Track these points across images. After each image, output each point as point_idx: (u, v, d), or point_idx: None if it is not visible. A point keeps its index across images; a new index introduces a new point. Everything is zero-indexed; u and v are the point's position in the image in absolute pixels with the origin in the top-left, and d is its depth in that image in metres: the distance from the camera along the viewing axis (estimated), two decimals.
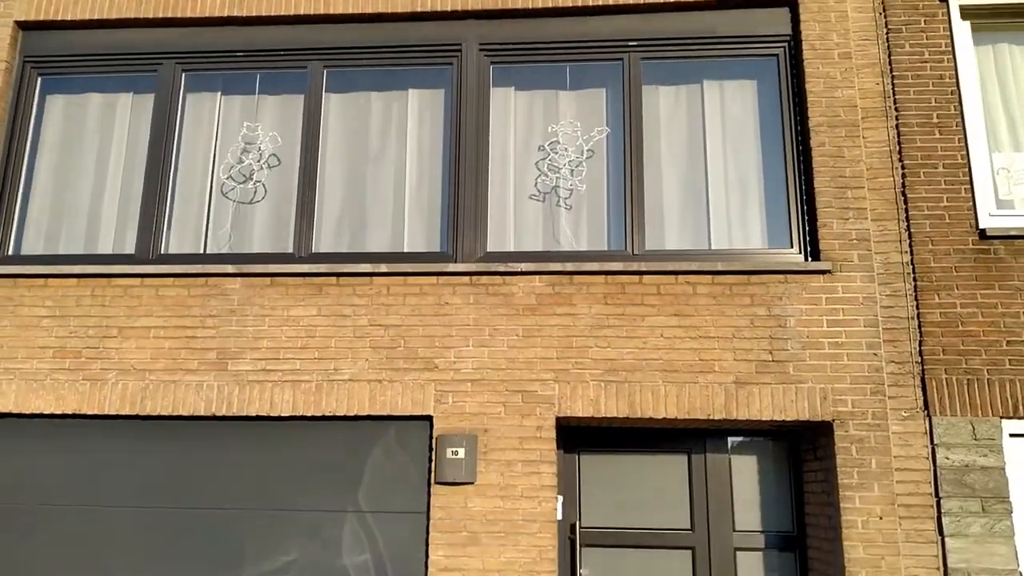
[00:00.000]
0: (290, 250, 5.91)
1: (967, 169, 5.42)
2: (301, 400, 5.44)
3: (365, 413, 5.39)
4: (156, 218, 6.06)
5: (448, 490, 5.21)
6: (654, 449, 5.90)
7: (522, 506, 5.15)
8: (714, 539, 5.67)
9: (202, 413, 5.45)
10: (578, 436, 5.94)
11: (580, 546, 5.72)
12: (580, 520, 5.80)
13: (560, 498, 5.70)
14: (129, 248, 6.08)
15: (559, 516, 5.53)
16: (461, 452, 5.20)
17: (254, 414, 5.46)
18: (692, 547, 5.70)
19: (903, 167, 5.48)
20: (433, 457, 5.26)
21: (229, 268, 5.70)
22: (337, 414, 5.41)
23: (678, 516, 5.77)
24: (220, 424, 5.54)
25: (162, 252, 6.02)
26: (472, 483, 5.19)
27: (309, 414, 5.42)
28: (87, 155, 6.35)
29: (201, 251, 6.05)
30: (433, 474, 5.23)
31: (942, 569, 4.84)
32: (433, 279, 5.58)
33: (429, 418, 5.38)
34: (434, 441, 5.29)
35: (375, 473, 5.41)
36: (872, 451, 5.02)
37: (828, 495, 5.16)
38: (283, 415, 5.45)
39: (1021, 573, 4.79)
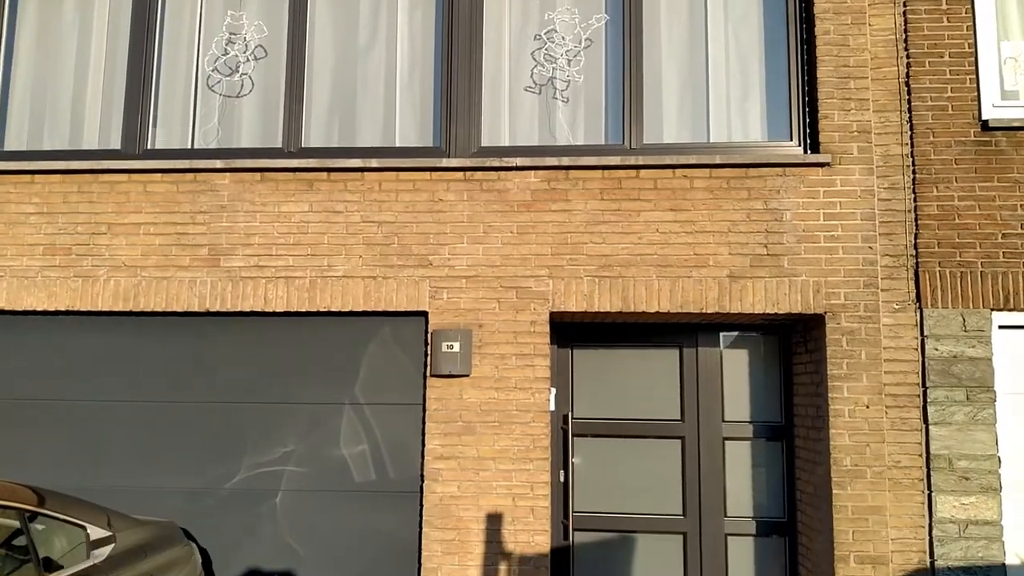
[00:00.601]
0: (279, 145, 5.74)
1: (973, 59, 5.24)
2: (295, 296, 5.40)
3: (360, 309, 5.37)
4: (141, 113, 5.85)
5: (443, 383, 5.24)
6: (646, 343, 5.93)
7: (516, 397, 5.20)
8: (703, 429, 5.78)
9: (196, 309, 5.42)
10: (572, 331, 5.95)
11: (572, 436, 5.82)
12: (572, 411, 5.88)
13: (553, 390, 5.76)
14: (115, 143, 5.90)
15: (552, 407, 5.60)
16: (456, 346, 5.21)
17: (248, 310, 5.43)
18: (681, 437, 5.81)
19: (908, 56, 5.29)
20: (428, 351, 5.27)
21: (218, 163, 5.55)
22: (332, 310, 5.38)
23: (668, 408, 5.86)
24: (215, 320, 5.52)
25: (148, 147, 5.84)
26: (467, 376, 5.22)
27: (303, 310, 5.40)
28: (66, 48, 6.07)
29: (189, 146, 5.87)
30: (429, 367, 5.26)
31: (924, 455, 4.95)
32: (426, 175, 5.45)
33: (424, 314, 5.37)
34: (429, 336, 5.29)
35: (371, 367, 5.43)
36: (862, 343, 5.05)
37: (817, 386, 5.22)
38: (277, 311, 5.42)
39: (1000, 458, 4.90)
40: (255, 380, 5.48)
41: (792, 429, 5.71)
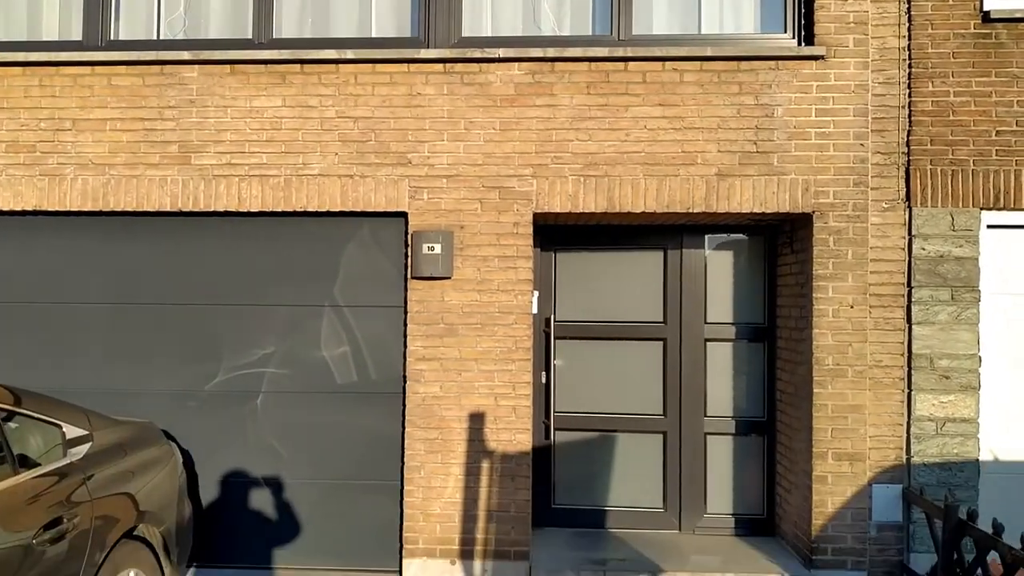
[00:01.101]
0: (249, 36, 5.41)
1: None
2: (270, 196, 5.19)
3: (337, 209, 5.18)
4: (102, 1, 5.48)
5: (425, 285, 5.12)
6: (630, 246, 5.81)
7: (498, 299, 5.09)
8: (686, 331, 5.73)
9: (168, 208, 5.21)
10: (555, 234, 5.81)
11: (554, 338, 5.77)
12: (555, 314, 5.81)
13: (536, 293, 5.66)
14: (76, 35, 5.54)
15: (534, 310, 5.51)
16: (437, 248, 5.06)
17: (222, 210, 5.23)
18: (664, 338, 5.77)
19: None
20: (409, 253, 5.13)
21: (185, 55, 5.23)
22: (308, 210, 5.19)
23: (651, 310, 5.79)
24: (188, 220, 5.32)
25: (112, 39, 5.50)
26: (449, 278, 5.10)
27: (279, 210, 5.20)
28: None
29: (154, 37, 5.53)
30: (409, 269, 5.12)
31: (906, 355, 4.93)
32: (404, 67, 5.17)
33: (404, 214, 5.19)
34: (409, 237, 5.13)
35: (350, 269, 5.29)
36: (850, 242, 4.95)
37: (802, 287, 5.15)
38: (252, 211, 5.22)
39: (980, 357, 4.89)
40: (231, 282, 5.33)
41: (774, 330, 5.67)
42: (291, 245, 5.31)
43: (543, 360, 5.76)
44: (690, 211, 5.01)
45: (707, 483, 5.74)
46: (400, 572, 5.11)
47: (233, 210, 5.22)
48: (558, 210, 5.07)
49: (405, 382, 5.12)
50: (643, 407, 5.79)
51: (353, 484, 5.21)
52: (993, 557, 4.03)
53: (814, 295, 4.95)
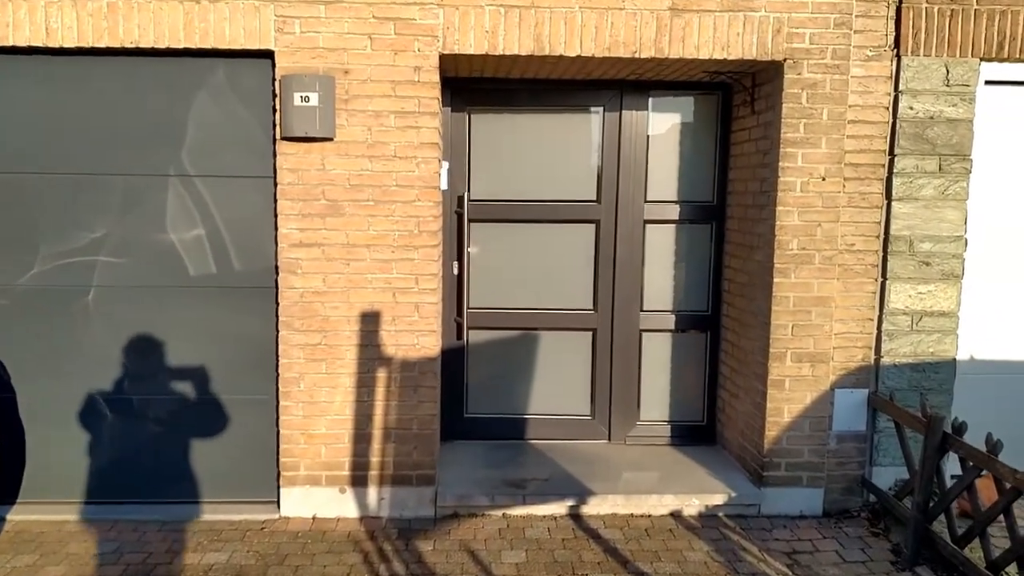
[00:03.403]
0: None
1: None
2: (89, 25, 3.74)
3: (181, 46, 3.79)
4: None
5: (299, 148, 3.85)
6: (560, 106, 4.65)
7: (396, 168, 3.89)
8: (623, 212, 4.69)
9: None
10: (469, 90, 4.58)
11: (468, 220, 4.63)
12: (469, 191, 4.65)
13: (445, 164, 4.47)
14: None
15: (443, 185, 4.34)
16: (314, 98, 3.77)
17: (24, 45, 3.76)
18: (596, 220, 4.71)
19: None
20: (277, 105, 3.82)
21: None
22: (142, 46, 3.77)
23: (583, 187, 4.70)
24: None
25: None
26: (330, 139, 3.84)
27: (102, 46, 3.77)
28: None
29: None
30: (279, 127, 3.83)
31: (882, 237, 4.03)
32: None
33: (270, 54, 3.84)
34: (277, 84, 3.81)
35: (202, 127, 3.96)
36: (826, 99, 3.92)
37: (764, 155, 4.13)
38: (66, 47, 3.77)
39: (967, 240, 4.04)
40: (44, 144, 3.92)
41: (724, 210, 4.69)
42: (122, 95, 3.92)
43: (454, 247, 4.64)
44: (636, 56, 3.85)
45: (641, 387, 4.85)
46: (278, 503, 4.07)
47: (40, 45, 3.76)
48: (472, 51, 3.82)
49: (278, 274, 3.92)
50: (571, 301, 4.78)
51: (216, 400, 4.06)
52: (985, 479, 3.28)
53: (780, 164, 3.95)
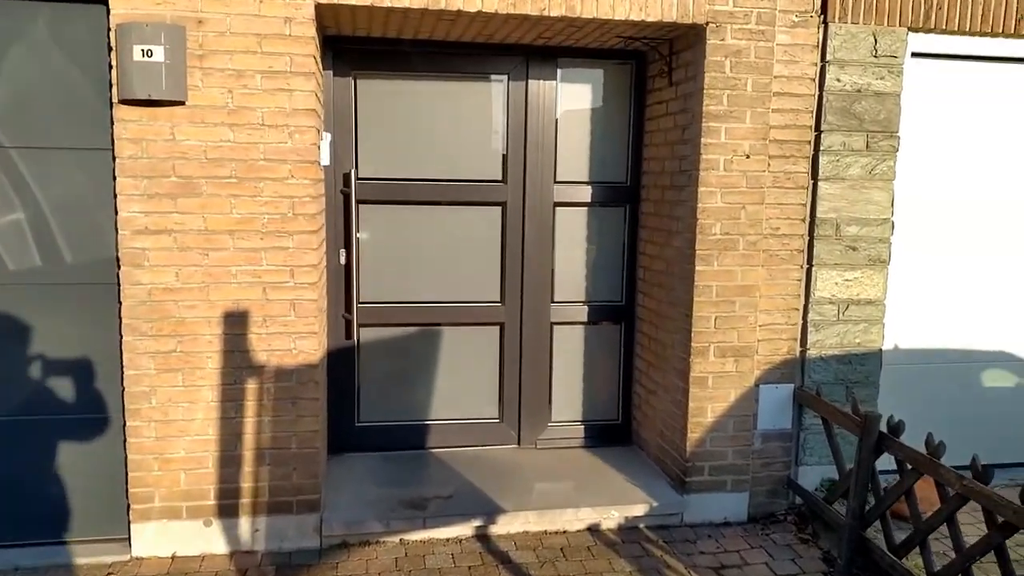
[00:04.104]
0: None
1: None
2: None
3: None
4: None
5: (143, 114, 3.15)
6: (460, 73, 4.10)
7: (265, 139, 3.25)
8: (531, 193, 4.20)
9: None
10: (355, 53, 3.96)
11: (356, 202, 4.04)
12: (357, 169, 4.05)
13: (327, 136, 3.85)
14: None
15: (325, 160, 3.73)
16: (158, 52, 3.07)
17: None
18: (502, 203, 4.21)
19: None
20: (114, 61, 3.11)
21: None
22: None
23: (488, 165, 4.18)
24: None
25: None
26: (182, 103, 3.15)
27: None
28: None
29: None
30: (116, 88, 3.12)
31: (808, 220, 3.72)
32: None
33: None
34: (113, 35, 3.10)
35: (20, 87, 3.17)
36: (751, 68, 3.55)
37: (684, 130, 3.73)
38: None
39: (893, 223, 3.79)
40: None
41: (639, 191, 4.29)
42: None
43: (342, 233, 4.04)
44: (545, 14, 3.35)
45: (552, 385, 4.41)
46: (129, 541, 3.38)
47: None
48: (355, 1, 3.22)
49: (119, 267, 3.22)
50: (476, 293, 4.27)
51: (48, 421, 3.32)
52: (924, 481, 3.00)
53: (702, 140, 3.55)
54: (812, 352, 3.77)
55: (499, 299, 4.30)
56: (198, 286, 3.25)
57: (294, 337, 3.35)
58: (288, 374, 3.35)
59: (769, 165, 3.65)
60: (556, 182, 4.25)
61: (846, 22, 3.58)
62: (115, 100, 3.12)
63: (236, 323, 3.29)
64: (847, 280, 3.74)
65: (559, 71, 4.18)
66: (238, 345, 3.29)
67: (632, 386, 4.44)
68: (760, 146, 3.61)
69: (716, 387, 3.72)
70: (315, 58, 3.33)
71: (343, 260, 4.06)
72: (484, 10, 3.30)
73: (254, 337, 3.31)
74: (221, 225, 3.24)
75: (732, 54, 3.53)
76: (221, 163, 3.22)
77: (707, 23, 3.48)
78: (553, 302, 4.34)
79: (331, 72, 3.95)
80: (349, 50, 3.95)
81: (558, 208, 4.28)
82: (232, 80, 3.19)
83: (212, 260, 3.25)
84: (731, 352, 3.71)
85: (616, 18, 3.41)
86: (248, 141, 3.23)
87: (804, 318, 3.77)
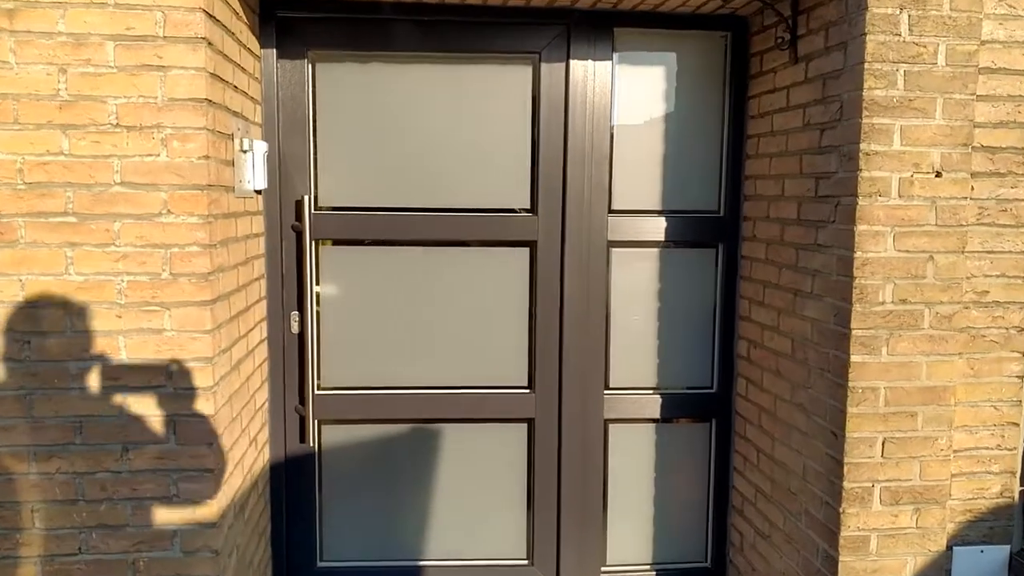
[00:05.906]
0: None
1: None
2: None
3: None
4: None
5: None
6: (467, 52, 2.74)
7: (123, 150, 1.94)
8: (572, 227, 2.79)
9: None
10: (310, 24, 2.64)
11: (312, 242, 2.70)
12: (315, 195, 2.72)
13: (260, 145, 2.51)
14: None
15: (255, 182, 2.40)
16: None
17: None
18: (532, 241, 2.82)
19: None
20: None
21: None
22: None
23: (507, 188, 2.81)
24: None
25: None
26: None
27: None
28: None
29: None
30: None
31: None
32: None
33: None
34: None
35: None
36: (944, 26, 2.04)
37: (822, 132, 2.28)
38: None
39: None
40: None
41: (738, 225, 2.86)
42: None
43: (294, 288, 2.72)
44: None
45: (607, 511, 2.99)
46: None
47: None
48: None
49: None
50: (492, 375, 2.87)
51: None
52: None
53: (861, 147, 2.11)
54: None
55: (527, 384, 2.89)
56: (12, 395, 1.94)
57: (175, 478, 2.01)
58: (164, 538, 2.01)
59: (973, 189, 2.18)
60: (611, 212, 2.84)
61: None
62: None
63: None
64: None
65: (616, 47, 2.78)
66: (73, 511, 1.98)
67: (729, 515, 2.99)
68: (959, 157, 2.14)
69: (883, 553, 2.24)
70: (207, 13, 2.00)
71: (296, 328, 2.73)
72: None
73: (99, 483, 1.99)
74: (51, 292, 1.94)
75: (911, 2, 2.08)
76: (49, 191, 1.92)
77: None
78: (607, 389, 2.92)
79: (274, 51, 2.63)
80: (302, 20, 2.64)
81: (614, 250, 2.87)
82: (65, 51, 1.90)
83: (35, 353, 1.95)
84: (908, 496, 2.23)
85: None
86: (94, 154, 1.92)
87: None
